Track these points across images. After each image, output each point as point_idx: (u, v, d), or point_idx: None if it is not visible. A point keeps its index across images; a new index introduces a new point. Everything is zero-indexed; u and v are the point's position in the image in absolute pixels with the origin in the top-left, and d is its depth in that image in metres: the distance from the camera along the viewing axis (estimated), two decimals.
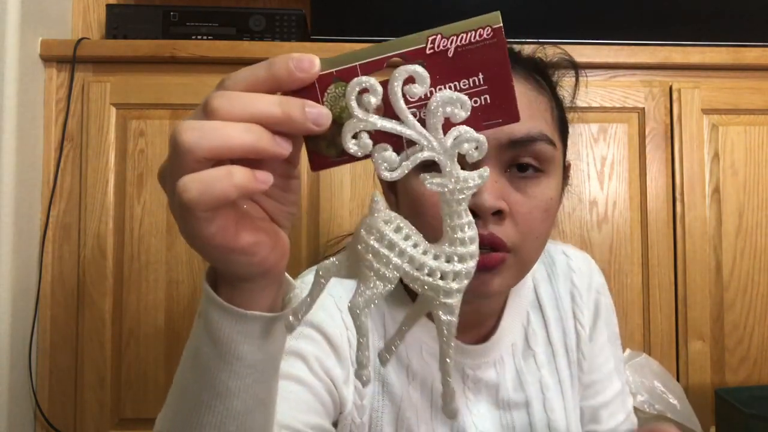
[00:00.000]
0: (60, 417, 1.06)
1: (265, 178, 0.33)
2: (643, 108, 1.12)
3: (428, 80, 0.33)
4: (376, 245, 0.33)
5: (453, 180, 0.33)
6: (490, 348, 0.67)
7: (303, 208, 1.09)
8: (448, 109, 0.33)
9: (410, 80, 0.33)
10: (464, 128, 0.33)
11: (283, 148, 0.33)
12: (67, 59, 1.10)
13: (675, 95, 1.12)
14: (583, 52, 1.12)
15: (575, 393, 0.71)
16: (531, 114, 0.58)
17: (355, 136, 0.33)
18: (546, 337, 0.70)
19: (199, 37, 1.14)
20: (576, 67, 0.71)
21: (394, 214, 0.34)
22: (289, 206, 0.39)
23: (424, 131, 0.33)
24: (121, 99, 1.09)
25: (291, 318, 0.36)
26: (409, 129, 0.33)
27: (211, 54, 1.08)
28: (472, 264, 0.34)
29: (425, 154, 0.33)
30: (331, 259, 0.35)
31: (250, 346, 0.39)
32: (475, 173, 0.34)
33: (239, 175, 0.32)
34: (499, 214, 0.55)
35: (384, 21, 1.18)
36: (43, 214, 1.09)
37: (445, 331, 0.34)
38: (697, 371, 1.08)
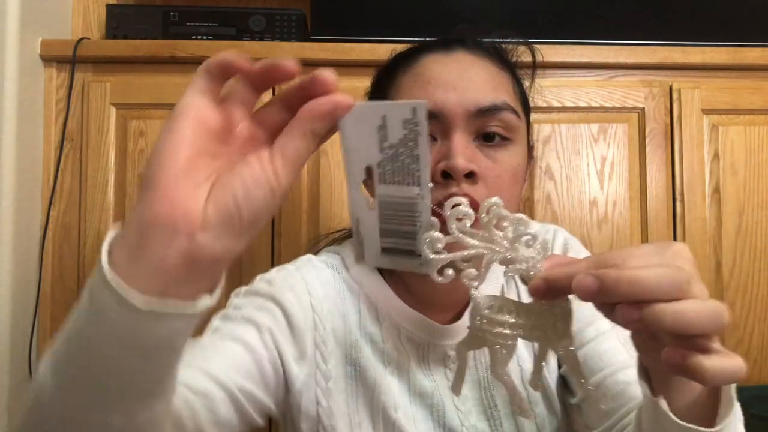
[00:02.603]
0: None
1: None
2: (643, 108, 1.12)
3: (473, 216, 0.41)
4: (490, 327, 0.41)
5: (524, 262, 0.40)
6: (465, 324, 0.68)
7: (303, 208, 1.09)
8: (494, 213, 0.40)
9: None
10: (518, 222, 0.40)
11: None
12: (67, 59, 1.10)
13: (675, 95, 1.12)
14: (583, 52, 1.13)
15: (550, 362, 0.71)
16: (494, 86, 0.64)
17: (440, 272, 0.41)
18: None
19: (199, 37, 1.14)
20: (533, 53, 0.79)
21: (490, 298, 0.41)
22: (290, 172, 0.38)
23: (489, 245, 0.41)
24: (121, 99, 1.09)
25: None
26: (479, 249, 0.41)
27: (211, 54, 1.07)
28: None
29: (495, 258, 0.41)
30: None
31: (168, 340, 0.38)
32: (533, 251, 0.40)
33: None
34: (471, 177, 0.60)
35: (384, 21, 1.18)
36: (43, 214, 1.09)
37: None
38: None
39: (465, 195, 0.58)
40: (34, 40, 1.09)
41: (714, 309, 0.36)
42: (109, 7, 1.18)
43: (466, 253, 0.41)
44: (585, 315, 0.68)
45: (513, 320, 0.41)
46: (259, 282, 0.68)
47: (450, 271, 0.41)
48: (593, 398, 0.41)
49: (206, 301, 0.38)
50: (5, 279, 1.02)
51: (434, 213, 0.42)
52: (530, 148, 0.71)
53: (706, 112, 1.12)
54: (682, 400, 0.45)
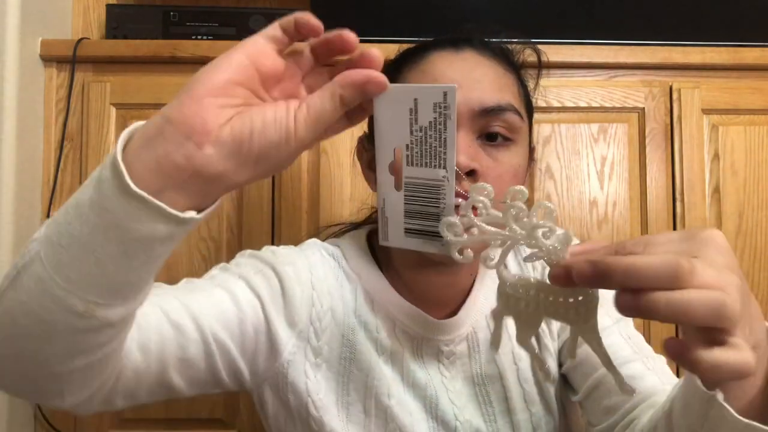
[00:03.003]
0: (60, 417, 1.06)
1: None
2: (643, 108, 1.12)
3: (489, 204, 0.42)
4: (514, 304, 0.43)
5: (545, 250, 0.40)
6: (461, 321, 0.70)
7: (303, 208, 1.09)
8: (516, 202, 0.41)
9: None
10: (543, 211, 0.41)
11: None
12: (67, 59, 1.10)
13: (675, 95, 1.12)
14: (583, 52, 1.13)
15: (548, 362, 0.71)
16: (500, 87, 0.65)
17: (461, 252, 0.43)
18: None
19: (199, 37, 1.14)
20: (539, 55, 0.80)
21: (513, 277, 0.42)
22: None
23: (506, 231, 0.41)
24: (121, 99, 1.09)
25: None
26: (496, 234, 0.41)
27: (211, 54, 1.06)
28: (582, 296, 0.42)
29: (514, 242, 0.41)
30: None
31: (164, 245, 0.42)
32: (555, 240, 0.40)
33: None
34: (472, 174, 0.61)
35: (384, 21, 1.18)
36: (43, 214, 1.09)
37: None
38: None
39: (465, 192, 0.59)
40: (34, 40, 1.09)
41: (712, 300, 0.35)
42: (109, 7, 1.18)
43: (483, 237, 0.42)
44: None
45: (536, 299, 0.42)
46: (265, 250, 0.70)
47: (470, 252, 0.42)
48: (627, 389, 0.41)
49: (192, 214, 0.41)
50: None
51: (459, 195, 0.43)
52: (531, 150, 0.71)
53: (706, 112, 1.12)
54: (741, 396, 0.42)
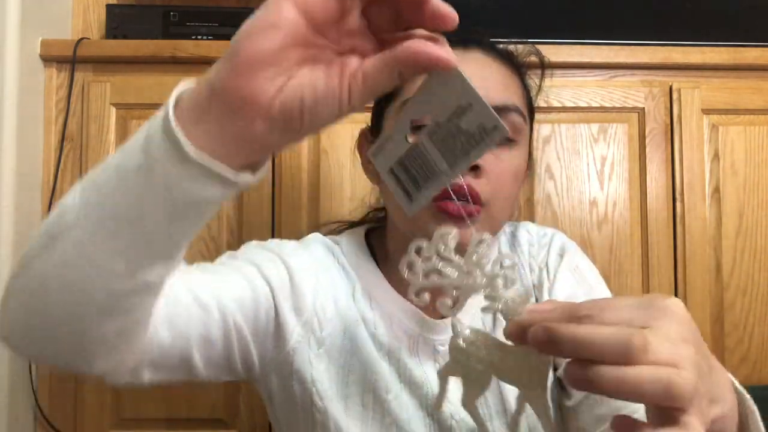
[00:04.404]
0: (60, 417, 1.06)
1: None
2: (643, 108, 1.12)
3: (452, 248, 0.41)
4: (465, 359, 0.42)
5: (502, 301, 0.39)
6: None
7: (303, 207, 1.09)
8: (481, 247, 0.40)
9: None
10: (504, 262, 0.40)
11: None
12: (67, 59, 1.10)
13: (675, 95, 1.12)
14: (583, 52, 1.13)
15: None
16: (506, 87, 0.66)
17: (417, 294, 0.41)
18: None
19: (199, 37, 1.14)
20: (541, 58, 0.80)
21: (472, 331, 0.42)
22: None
23: (466, 278, 0.40)
24: (121, 99, 1.09)
25: None
26: (454, 280, 0.41)
27: (211, 54, 1.08)
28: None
29: (472, 291, 0.40)
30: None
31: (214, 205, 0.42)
32: (513, 294, 0.39)
33: None
34: (475, 170, 0.62)
35: None
36: (43, 214, 1.09)
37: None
38: None
39: (468, 186, 0.60)
40: (34, 40, 1.09)
41: (662, 380, 0.33)
42: (109, 7, 1.18)
43: (439, 281, 0.41)
44: None
45: (488, 358, 0.41)
46: (270, 242, 0.72)
47: (426, 296, 0.41)
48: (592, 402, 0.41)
49: (247, 177, 0.40)
50: (5, 279, 1.02)
51: (457, 188, 0.46)
52: (530, 155, 0.72)
53: (706, 112, 1.12)
54: None
